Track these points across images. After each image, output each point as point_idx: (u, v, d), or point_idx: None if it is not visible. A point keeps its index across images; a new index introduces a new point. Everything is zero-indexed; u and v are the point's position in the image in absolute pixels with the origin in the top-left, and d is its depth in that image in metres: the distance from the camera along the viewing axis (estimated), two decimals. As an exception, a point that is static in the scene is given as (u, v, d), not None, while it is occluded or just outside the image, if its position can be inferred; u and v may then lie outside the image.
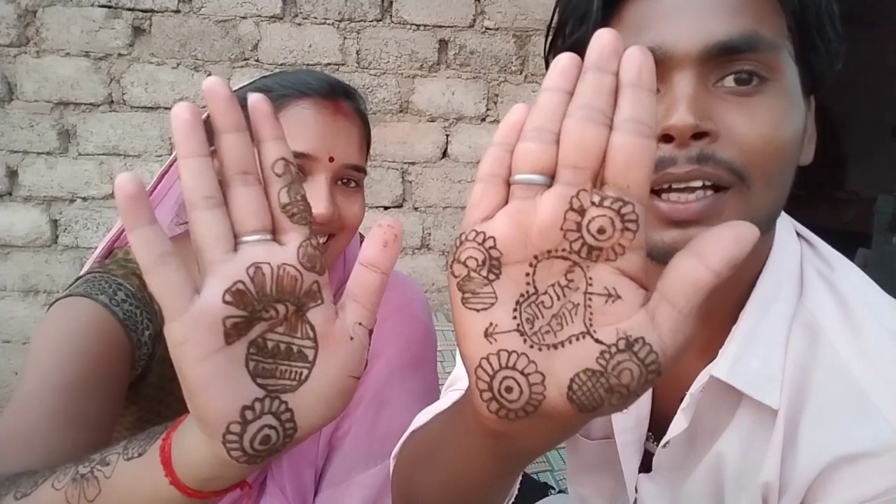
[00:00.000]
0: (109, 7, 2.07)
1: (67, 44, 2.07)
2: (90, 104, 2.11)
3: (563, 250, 0.32)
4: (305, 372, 0.37)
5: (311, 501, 0.86)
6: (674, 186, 0.48)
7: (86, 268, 0.82)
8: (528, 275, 0.33)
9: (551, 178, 0.33)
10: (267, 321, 0.35)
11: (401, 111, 2.23)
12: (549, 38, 0.58)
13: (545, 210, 0.32)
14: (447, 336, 1.92)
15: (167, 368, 0.77)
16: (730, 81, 0.49)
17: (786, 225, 0.59)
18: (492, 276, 0.33)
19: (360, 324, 0.38)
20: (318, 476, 0.87)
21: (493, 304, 0.33)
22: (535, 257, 0.33)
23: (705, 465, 0.60)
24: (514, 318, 0.33)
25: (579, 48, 0.43)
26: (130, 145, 2.13)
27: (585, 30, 0.53)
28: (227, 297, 0.34)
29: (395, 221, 0.39)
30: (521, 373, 0.33)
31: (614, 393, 0.31)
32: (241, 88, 0.83)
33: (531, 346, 0.33)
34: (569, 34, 0.55)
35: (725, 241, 0.30)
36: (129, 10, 2.08)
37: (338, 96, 0.79)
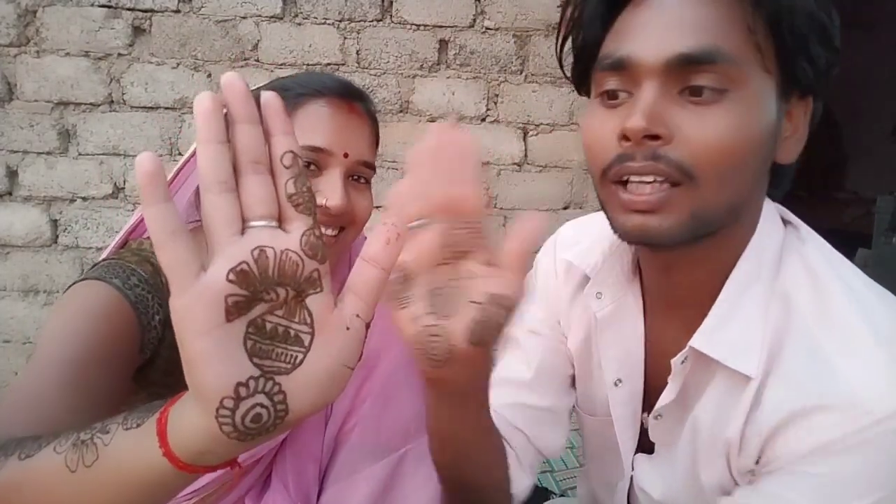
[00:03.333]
0: (109, 7, 2.07)
1: (67, 44, 2.07)
2: (90, 104, 2.11)
3: (445, 260, 0.51)
4: (300, 356, 0.38)
5: (315, 497, 0.87)
6: (632, 179, 0.58)
7: (101, 258, 0.84)
8: (429, 279, 0.51)
9: (431, 220, 0.50)
10: (267, 303, 0.37)
11: (401, 111, 2.23)
12: (559, 42, 0.67)
13: (431, 239, 0.50)
14: None
15: (175, 354, 0.78)
16: (692, 91, 0.56)
17: (771, 213, 0.65)
18: (407, 286, 0.51)
19: (357, 315, 0.41)
20: (321, 472, 0.88)
21: (412, 302, 0.51)
22: (431, 269, 0.51)
23: (686, 433, 0.67)
24: (426, 306, 0.51)
25: (584, 52, 0.64)
26: (130, 145, 2.13)
27: (588, 37, 0.63)
28: (231, 276, 0.35)
29: (399, 221, 0.42)
30: (438, 336, 0.50)
31: (493, 330, 0.50)
32: (259, 88, 0.85)
33: (439, 319, 0.50)
34: (576, 39, 0.65)
35: (523, 231, 0.50)
36: (129, 9, 2.08)
37: (352, 97, 0.83)
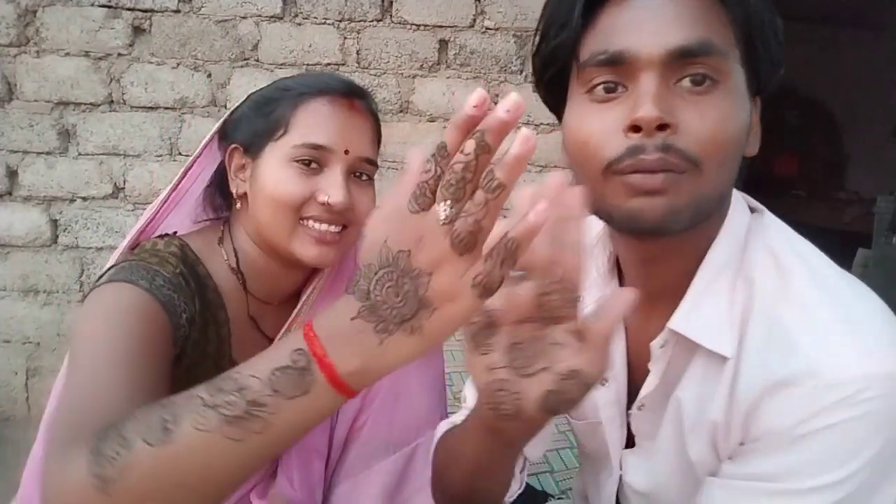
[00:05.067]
0: (109, 7, 2.07)
1: (67, 44, 2.07)
2: (90, 104, 2.11)
3: (535, 318, 0.51)
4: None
5: (320, 492, 0.88)
6: (639, 171, 0.58)
7: (113, 259, 0.84)
8: (513, 332, 0.51)
9: (527, 274, 0.50)
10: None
11: (401, 111, 2.23)
12: (535, 42, 0.67)
13: (525, 294, 0.50)
14: (456, 357, 1.91)
15: (198, 354, 0.81)
16: (687, 82, 0.58)
17: (738, 201, 0.68)
18: (490, 333, 0.52)
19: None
20: (327, 468, 0.89)
21: (492, 350, 0.52)
22: (518, 321, 0.51)
23: (669, 415, 0.68)
24: (505, 358, 0.52)
25: (560, 52, 0.63)
26: (130, 145, 2.13)
27: (566, 36, 0.62)
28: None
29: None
30: (510, 392, 0.52)
31: (567, 403, 0.51)
32: (262, 89, 0.87)
33: (515, 376, 0.51)
34: (552, 38, 0.64)
35: (611, 309, 0.52)
36: (129, 9, 2.08)
37: (353, 95, 0.85)
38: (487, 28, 2.22)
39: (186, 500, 0.50)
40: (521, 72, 2.26)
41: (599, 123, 0.59)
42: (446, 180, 0.43)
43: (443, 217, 0.43)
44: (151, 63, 2.11)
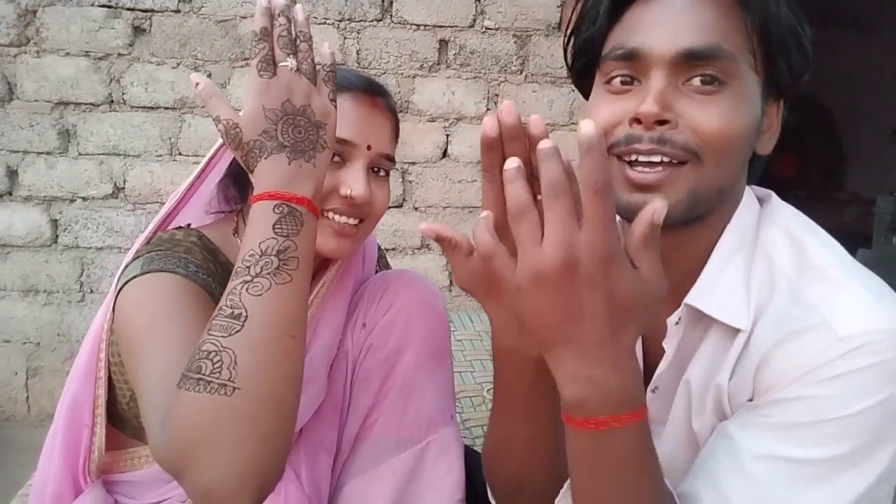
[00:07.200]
0: (109, 7, 2.07)
1: (67, 44, 2.07)
2: (90, 104, 2.11)
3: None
4: None
5: (326, 487, 0.89)
6: (640, 159, 0.63)
7: (132, 253, 0.85)
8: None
9: None
10: None
11: (401, 111, 2.23)
12: (568, 34, 0.73)
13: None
14: (455, 357, 1.92)
15: None
16: (696, 81, 0.62)
17: (748, 196, 0.72)
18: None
19: None
20: (335, 464, 0.90)
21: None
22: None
23: (679, 398, 0.71)
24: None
25: (590, 45, 0.70)
26: (130, 145, 2.13)
27: (594, 31, 0.68)
28: None
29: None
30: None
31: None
32: None
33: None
34: (583, 32, 0.70)
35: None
36: (129, 9, 2.08)
37: (374, 92, 0.87)
38: (487, 28, 2.22)
39: (291, 352, 0.61)
40: (521, 72, 2.26)
41: (610, 112, 0.65)
42: (280, 44, 0.65)
43: (292, 66, 0.66)
44: (151, 63, 2.11)
